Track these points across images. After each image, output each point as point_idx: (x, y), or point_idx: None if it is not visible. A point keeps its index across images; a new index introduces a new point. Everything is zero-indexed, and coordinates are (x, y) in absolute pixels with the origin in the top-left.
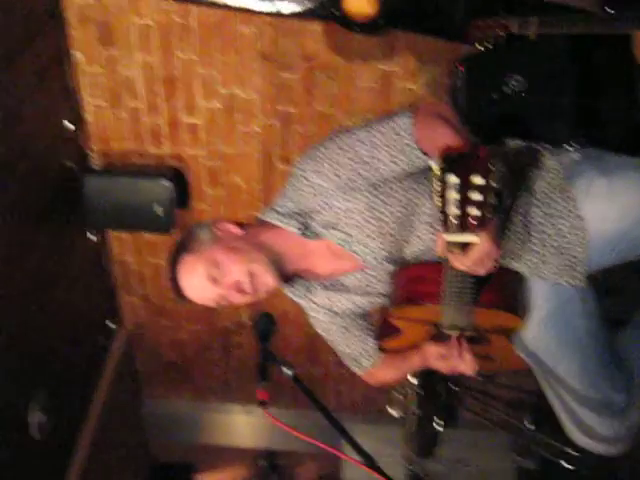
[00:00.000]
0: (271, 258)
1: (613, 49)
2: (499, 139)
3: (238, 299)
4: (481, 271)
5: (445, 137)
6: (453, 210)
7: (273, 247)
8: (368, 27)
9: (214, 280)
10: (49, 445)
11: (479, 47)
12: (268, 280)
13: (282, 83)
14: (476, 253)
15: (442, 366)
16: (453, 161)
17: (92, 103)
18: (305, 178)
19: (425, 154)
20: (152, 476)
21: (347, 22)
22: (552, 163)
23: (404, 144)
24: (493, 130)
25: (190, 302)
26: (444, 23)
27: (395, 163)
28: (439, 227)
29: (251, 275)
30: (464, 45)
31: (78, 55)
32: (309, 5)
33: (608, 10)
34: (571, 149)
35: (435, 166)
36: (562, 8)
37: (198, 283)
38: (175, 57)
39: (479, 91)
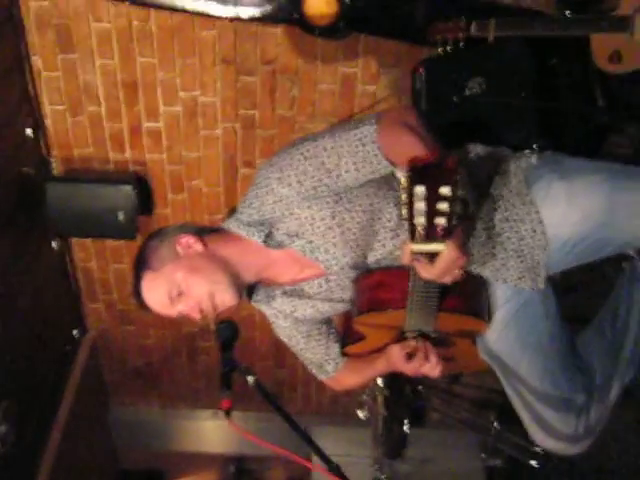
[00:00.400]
0: (232, 275)
1: (571, 52)
2: (460, 142)
3: (198, 317)
4: (448, 279)
5: (410, 146)
6: (420, 220)
7: (234, 262)
8: (328, 30)
9: (174, 299)
10: (14, 456)
11: (439, 50)
12: (228, 300)
13: (243, 87)
14: (443, 262)
15: (407, 369)
16: (420, 172)
17: (52, 109)
18: (268, 186)
19: (390, 162)
20: None
21: (308, 25)
22: (511, 167)
23: (368, 153)
24: (454, 133)
25: (153, 312)
26: (404, 26)
27: (359, 171)
28: (402, 233)
29: (211, 296)
30: (424, 48)
31: (37, 60)
32: (269, 9)
33: (565, 12)
34: (530, 153)
35: (402, 177)
36: (519, 11)
37: (158, 301)
38: (135, 61)
39: (439, 93)
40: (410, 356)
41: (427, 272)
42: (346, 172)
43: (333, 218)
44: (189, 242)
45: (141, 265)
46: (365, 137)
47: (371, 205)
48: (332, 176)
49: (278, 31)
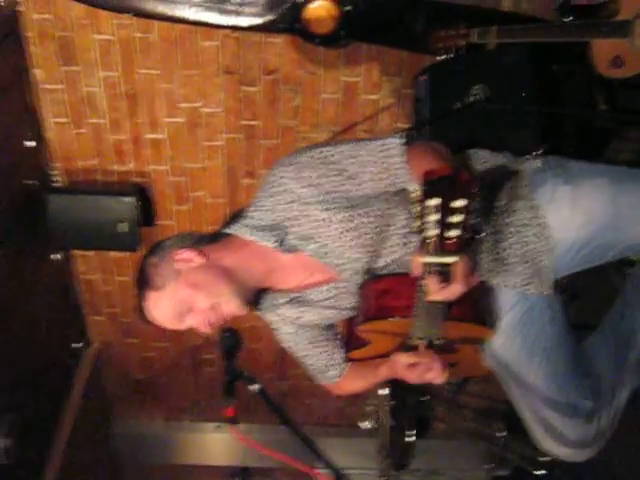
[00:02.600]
0: (237, 283)
1: (572, 57)
2: (463, 149)
3: (206, 330)
4: (459, 292)
5: (433, 161)
6: (432, 232)
7: (238, 271)
8: (329, 39)
9: (181, 316)
10: (17, 470)
11: (441, 57)
12: (234, 310)
13: (245, 97)
14: (456, 279)
15: (411, 376)
16: (435, 184)
17: (53, 120)
18: (283, 185)
19: (410, 177)
20: None
21: (308, 34)
22: (515, 172)
23: (392, 165)
24: (457, 140)
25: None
26: (406, 34)
27: (380, 182)
28: (412, 239)
29: (217, 308)
30: (426, 56)
31: (38, 72)
32: (270, 18)
33: (564, 19)
34: (533, 157)
35: (416, 189)
36: (519, 17)
37: (165, 318)
38: (136, 73)
39: (442, 101)
40: (414, 363)
41: (439, 295)
42: (366, 182)
43: (350, 221)
44: (188, 257)
45: (143, 285)
46: (391, 149)
47: (386, 210)
48: (353, 183)
49: (280, 41)
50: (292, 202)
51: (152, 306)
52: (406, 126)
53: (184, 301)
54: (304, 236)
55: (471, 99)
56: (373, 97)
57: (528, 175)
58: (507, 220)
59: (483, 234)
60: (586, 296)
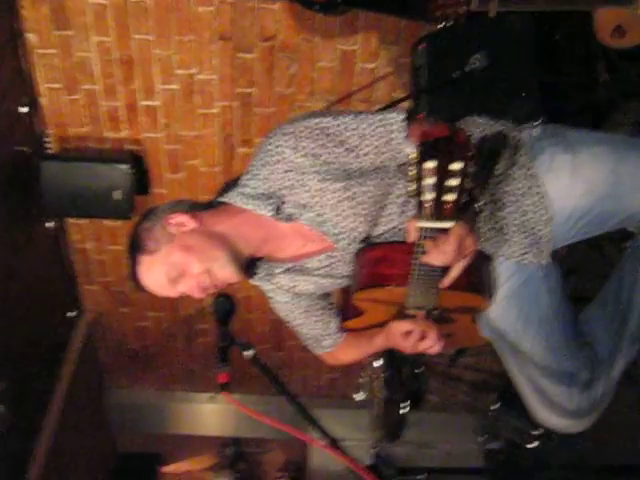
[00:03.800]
0: (230, 251)
1: (573, 27)
2: (462, 117)
3: (199, 295)
4: (457, 260)
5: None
6: (428, 196)
7: (232, 237)
8: (328, 6)
9: (174, 281)
10: (11, 437)
11: (440, 26)
12: (228, 276)
13: (241, 64)
14: (453, 242)
15: (406, 345)
16: (432, 146)
17: (46, 86)
18: (280, 154)
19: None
20: (118, 467)
21: (307, 1)
22: (514, 141)
23: (393, 140)
24: (455, 109)
25: (151, 294)
26: (404, 2)
27: (379, 156)
28: (410, 208)
29: (211, 273)
30: (424, 24)
31: (31, 37)
32: None
33: None
34: (532, 126)
35: (413, 151)
36: None
37: (158, 284)
38: (131, 38)
39: (441, 70)
40: (410, 333)
41: (434, 259)
42: (365, 155)
43: (346, 191)
44: (181, 220)
45: (136, 249)
46: (392, 124)
47: (382, 179)
48: (350, 156)
49: (276, 7)
50: (289, 171)
51: (145, 270)
52: (403, 95)
53: (177, 265)
54: (300, 205)
55: (470, 68)
56: (370, 66)
57: (527, 144)
58: (505, 189)
59: (481, 202)
60: (583, 270)
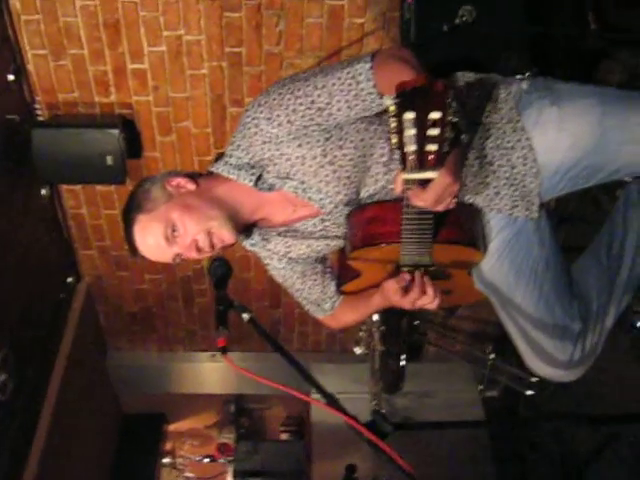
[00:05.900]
0: (227, 213)
1: None
2: (450, 71)
3: (195, 256)
4: (441, 207)
5: (403, 75)
6: (410, 147)
7: (228, 201)
8: None
9: (170, 240)
10: (15, 404)
11: None
12: (225, 237)
13: (228, 23)
14: (436, 189)
15: (404, 302)
16: (409, 97)
17: (33, 53)
18: (257, 126)
19: (382, 98)
20: (124, 428)
21: None
22: (502, 94)
23: (362, 91)
24: (444, 62)
25: (147, 259)
26: None
27: (351, 109)
28: (395, 166)
29: (208, 233)
30: None
31: (16, 4)
32: None
33: None
34: (520, 79)
35: (391, 103)
36: None
37: (154, 243)
38: (117, 1)
39: (429, 23)
40: (406, 289)
41: (420, 200)
42: (338, 110)
43: (325, 156)
44: (181, 182)
45: (133, 209)
46: (360, 75)
47: (362, 141)
48: (323, 115)
49: None
50: (266, 142)
51: (141, 229)
52: None
53: (174, 223)
54: (282, 174)
55: (458, 21)
56: (358, 21)
57: (514, 97)
58: (494, 143)
59: (467, 151)
60: (576, 220)
